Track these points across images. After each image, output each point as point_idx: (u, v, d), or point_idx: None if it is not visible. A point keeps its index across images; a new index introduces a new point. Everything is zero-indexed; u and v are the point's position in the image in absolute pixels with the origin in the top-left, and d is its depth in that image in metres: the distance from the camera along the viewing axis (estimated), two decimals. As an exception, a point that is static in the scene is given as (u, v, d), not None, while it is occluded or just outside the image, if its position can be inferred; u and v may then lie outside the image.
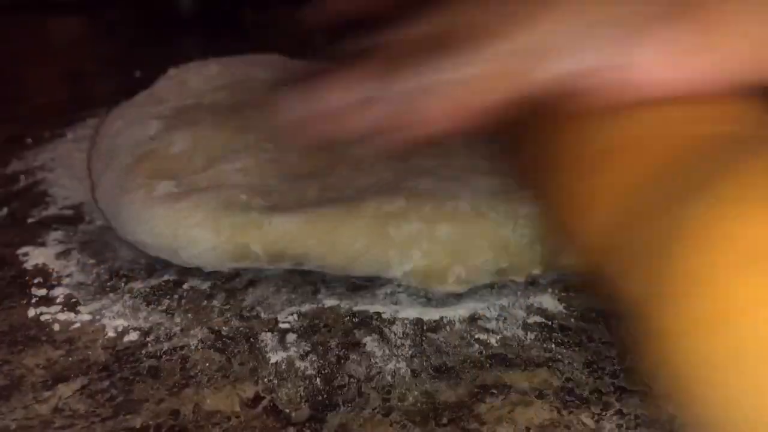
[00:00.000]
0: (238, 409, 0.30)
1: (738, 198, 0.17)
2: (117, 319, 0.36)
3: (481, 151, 0.43)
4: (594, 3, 0.22)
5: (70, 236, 0.44)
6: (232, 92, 0.52)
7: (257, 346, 0.34)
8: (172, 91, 0.54)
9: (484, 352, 0.34)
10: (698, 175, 0.19)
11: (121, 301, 0.37)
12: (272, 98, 0.32)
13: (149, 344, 0.34)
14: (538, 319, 0.36)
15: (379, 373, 0.32)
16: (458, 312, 0.37)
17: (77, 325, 0.36)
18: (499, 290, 0.38)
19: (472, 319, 0.36)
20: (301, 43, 0.59)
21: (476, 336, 0.35)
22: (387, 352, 0.34)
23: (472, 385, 0.32)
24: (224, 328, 0.36)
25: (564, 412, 0.30)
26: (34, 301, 0.38)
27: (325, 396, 0.31)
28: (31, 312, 0.37)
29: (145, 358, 0.33)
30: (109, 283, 0.39)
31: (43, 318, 0.36)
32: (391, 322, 0.36)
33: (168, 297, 0.38)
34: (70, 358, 0.33)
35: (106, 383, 0.32)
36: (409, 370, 0.33)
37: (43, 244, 0.43)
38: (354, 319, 0.36)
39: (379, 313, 0.36)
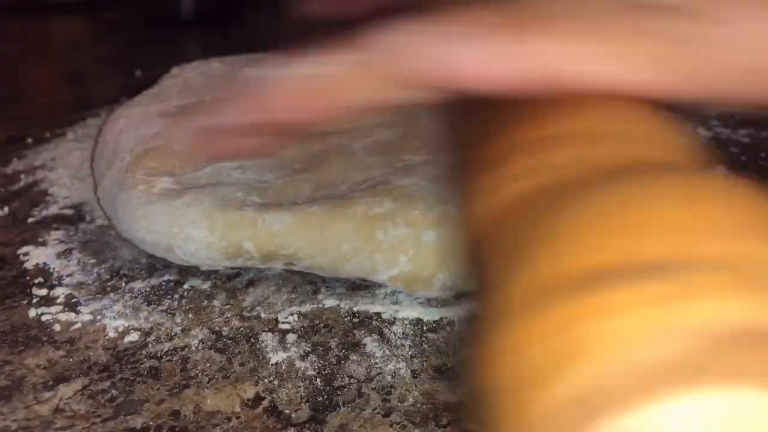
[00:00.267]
0: (238, 409, 0.30)
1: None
2: (118, 320, 0.36)
3: None
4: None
5: (70, 236, 0.44)
6: None
7: (258, 346, 0.34)
8: (175, 90, 0.55)
9: (484, 352, 0.34)
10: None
11: (121, 301, 0.38)
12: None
13: (150, 344, 0.34)
14: (538, 319, 0.36)
15: (379, 373, 0.33)
16: (458, 312, 0.37)
17: (78, 325, 0.36)
18: (499, 290, 0.38)
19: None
20: (301, 41, 0.59)
21: (476, 336, 0.35)
22: (387, 352, 0.34)
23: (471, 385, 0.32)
24: (225, 328, 0.36)
25: (564, 413, 0.30)
26: (34, 301, 0.38)
27: (325, 396, 0.31)
28: (32, 312, 0.37)
29: (145, 359, 0.34)
30: (109, 283, 0.39)
31: (44, 318, 0.36)
32: (391, 322, 0.36)
33: (169, 297, 0.38)
34: (71, 359, 0.34)
35: (107, 384, 0.32)
36: (409, 371, 0.33)
37: (43, 244, 0.43)
38: (354, 320, 0.36)
39: (379, 314, 0.37)
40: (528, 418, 0.13)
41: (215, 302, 0.38)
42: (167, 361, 0.33)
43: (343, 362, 0.33)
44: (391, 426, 0.30)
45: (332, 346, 0.34)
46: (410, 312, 0.37)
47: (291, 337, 0.35)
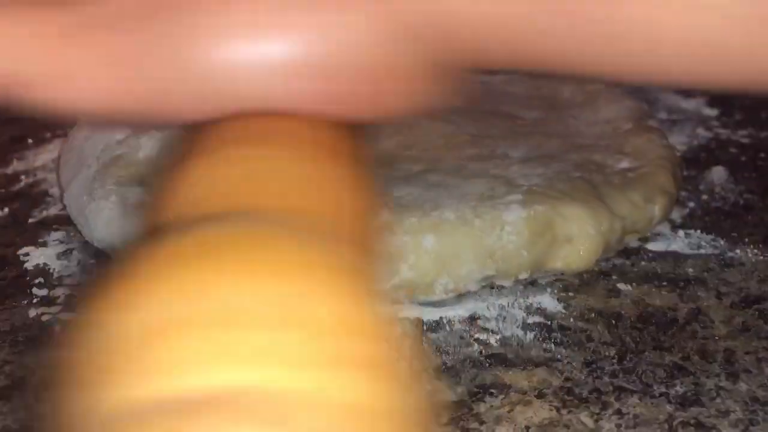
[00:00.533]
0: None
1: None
2: (118, 320, 0.36)
3: (467, 152, 0.43)
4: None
5: (70, 236, 0.44)
6: None
7: (257, 346, 0.34)
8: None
9: (483, 351, 0.34)
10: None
11: (121, 302, 0.38)
12: None
13: (150, 344, 0.34)
14: (537, 318, 0.36)
15: (378, 372, 0.33)
16: (458, 312, 0.37)
17: (78, 325, 0.36)
18: (498, 290, 0.38)
19: (472, 318, 0.36)
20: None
21: (476, 336, 0.35)
22: (387, 352, 0.34)
23: (471, 384, 0.32)
24: (224, 328, 0.36)
25: (563, 412, 0.30)
26: (35, 301, 0.38)
27: (325, 396, 0.31)
28: (33, 312, 0.37)
29: (145, 358, 0.34)
30: (109, 284, 0.39)
31: (44, 318, 0.36)
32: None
33: (168, 297, 0.38)
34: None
35: (107, 383, 0.32)
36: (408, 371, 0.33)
37: (44, 245, 0.43)
38: (354, 319, 0.36)
39: (379, 313, 0.37)
40: None
41: (215, 302, 0.38)
42: (167, 360, 0.33)
43: (342, 362, 0.33)
44: (390, 425, 0.30)
45: (332, 346, 0.34)
46: (410, 312, 0.37)
47: (291, 337, 0.35)
